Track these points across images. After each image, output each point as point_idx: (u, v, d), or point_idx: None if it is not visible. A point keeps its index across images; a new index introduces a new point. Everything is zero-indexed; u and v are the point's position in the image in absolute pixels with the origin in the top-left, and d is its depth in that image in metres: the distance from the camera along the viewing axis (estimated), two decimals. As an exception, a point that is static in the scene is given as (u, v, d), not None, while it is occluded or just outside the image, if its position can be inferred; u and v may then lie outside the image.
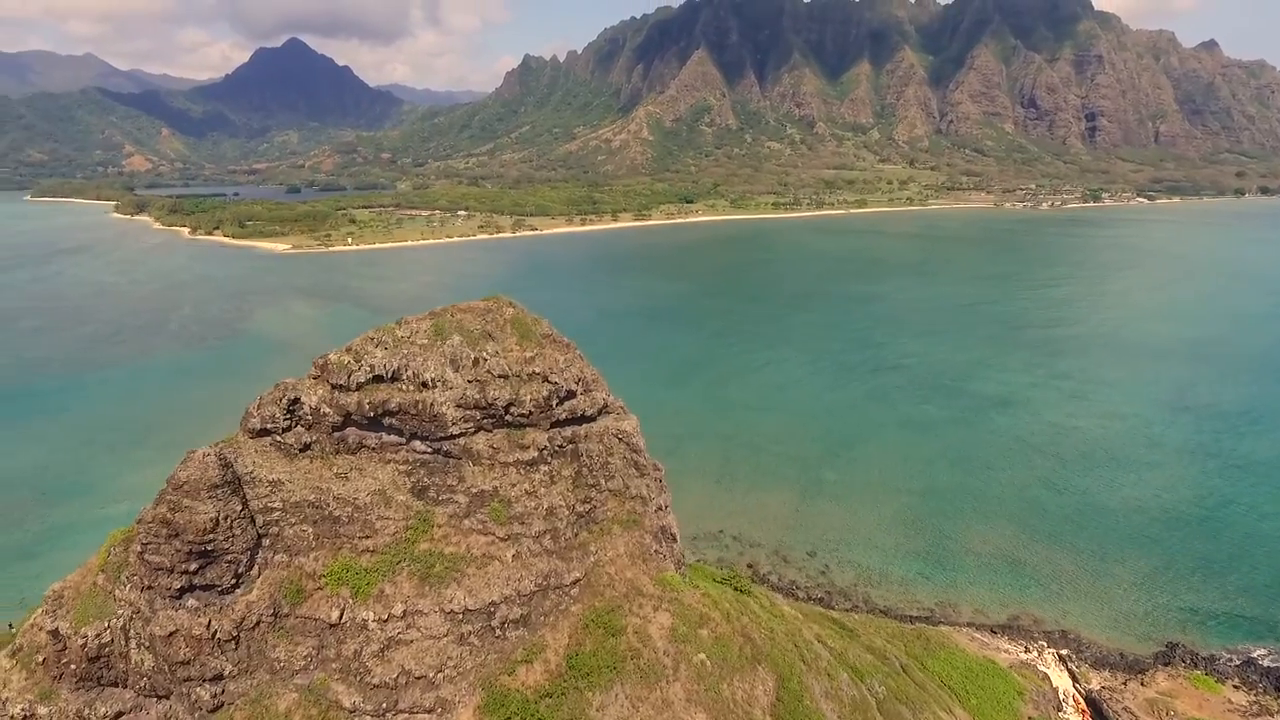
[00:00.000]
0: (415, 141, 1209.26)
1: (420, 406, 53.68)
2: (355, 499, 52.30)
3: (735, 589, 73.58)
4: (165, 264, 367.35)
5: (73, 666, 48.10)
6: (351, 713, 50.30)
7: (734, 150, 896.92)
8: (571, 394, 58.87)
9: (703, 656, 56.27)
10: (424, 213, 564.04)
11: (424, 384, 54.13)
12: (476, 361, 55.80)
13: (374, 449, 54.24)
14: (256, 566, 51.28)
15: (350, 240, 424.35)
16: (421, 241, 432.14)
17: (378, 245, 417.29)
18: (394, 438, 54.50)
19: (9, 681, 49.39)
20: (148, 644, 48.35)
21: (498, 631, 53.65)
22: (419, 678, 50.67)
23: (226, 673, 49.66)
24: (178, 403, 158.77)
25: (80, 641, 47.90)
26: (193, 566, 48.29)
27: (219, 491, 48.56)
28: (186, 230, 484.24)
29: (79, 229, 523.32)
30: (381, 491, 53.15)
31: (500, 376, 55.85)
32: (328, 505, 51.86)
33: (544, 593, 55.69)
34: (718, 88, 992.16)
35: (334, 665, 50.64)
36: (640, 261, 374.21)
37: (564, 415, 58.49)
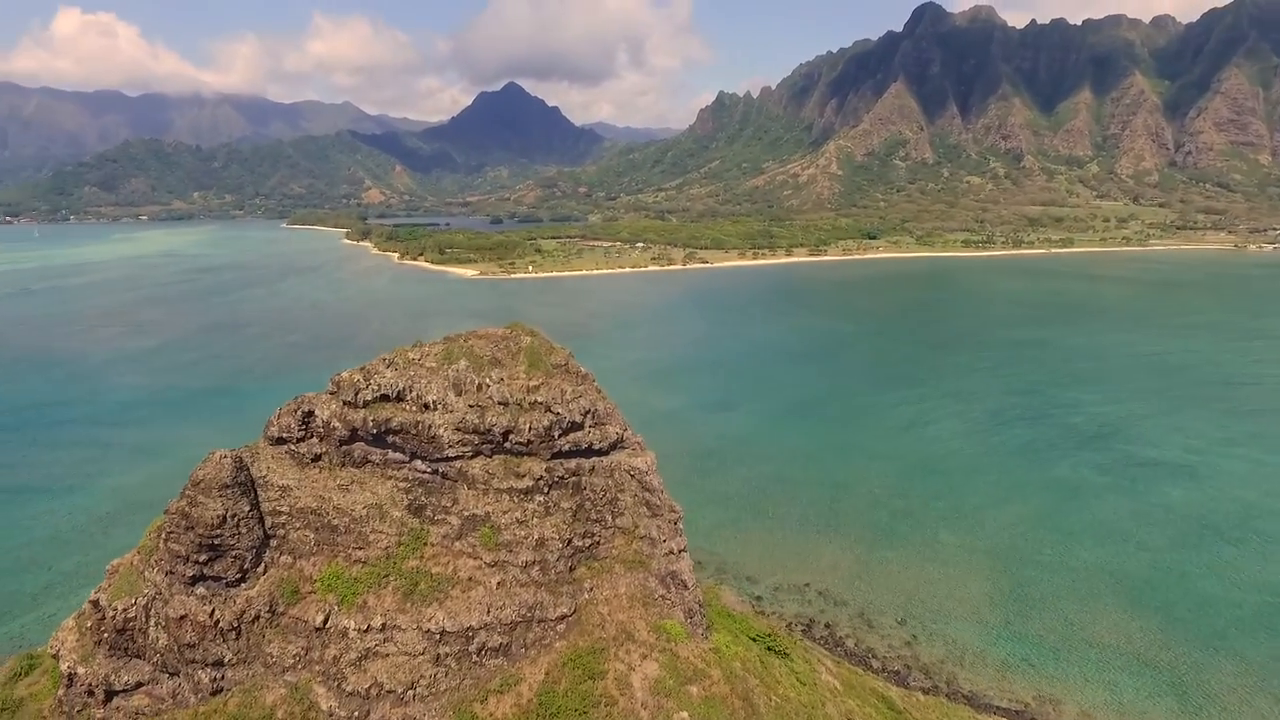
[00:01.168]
0: (610, 176, 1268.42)
1: (420, 427, 55.61)
2: (352, 510, 55.00)
3: (769, 648, 68.85)
4: (370, 284, 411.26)
5: (106, 635, 54.40)
6: (329, 716, 52.51)
7: (928, 185, 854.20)
8: (576, 425, 58.34)
9: (684, 715, 53.03)
10: (605, 244, 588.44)
11: (426, 405, 56.08)
12: (480, 387, 56.95)
13: (378, 465, 56.82)
14: (263, 564, 55.31)
15: (530, 268, 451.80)
16: (595, 271, 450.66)
17: (554, 273, 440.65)
18: (397, 455, 56.78)
19: (66, 641, 56.74)
20: (163, 624, 53.57)
21: (475, 657, 53.78)
22: (389, 691, 51.89)
23: (226, 660, 53.79)
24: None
25: (112, 614, 54.11)
26: (203, 558, 53.04)
27: (229, 491, 53.11)
28: (396, 255, 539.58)
29: (313, 252, 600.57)
30: (378, 506, 55.47)
31: (500, 403, 56.57)
32: (328, 514, 54.96)
33: (527, 624, 55.16)
34: (915, 120, 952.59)
35: (317, 668, 53.19)
36: (801, 297, 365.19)
37: (567, 446, 58.05)
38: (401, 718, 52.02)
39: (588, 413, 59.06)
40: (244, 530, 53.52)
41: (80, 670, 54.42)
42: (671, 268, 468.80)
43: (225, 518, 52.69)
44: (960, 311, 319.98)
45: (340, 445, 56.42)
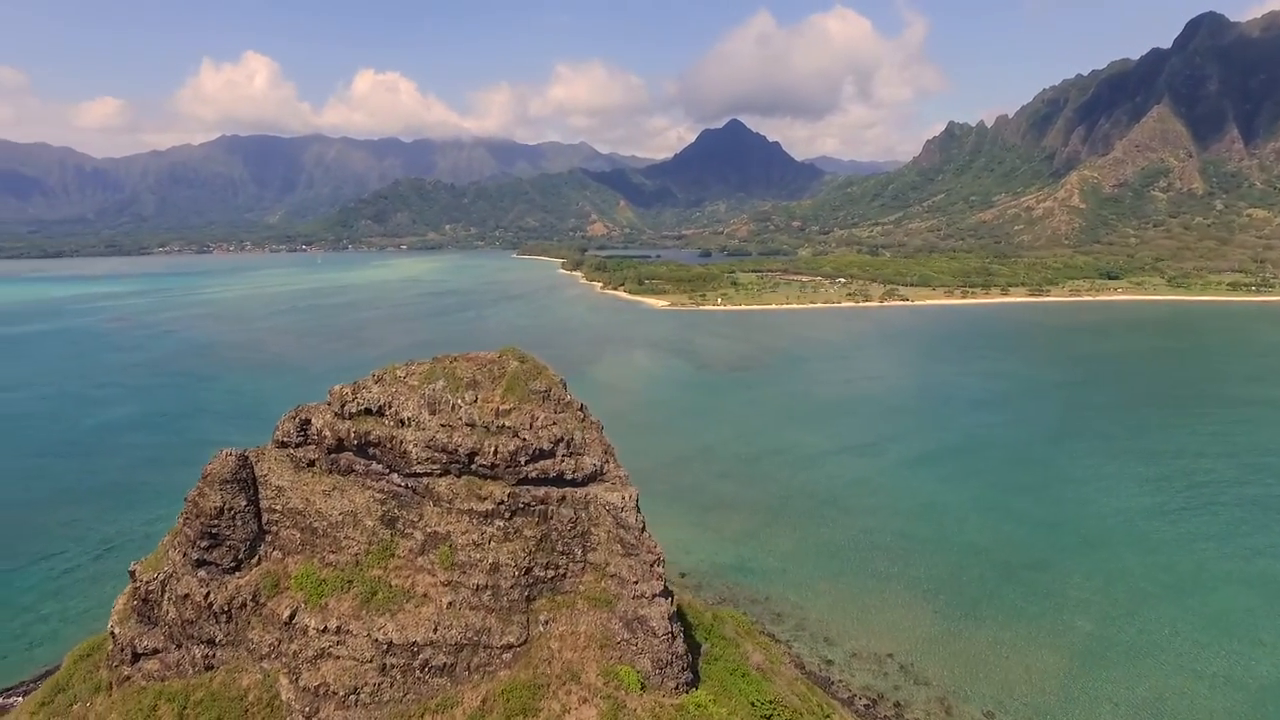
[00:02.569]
0: (826, 210, 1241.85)
1: (394, 442, 57.90)
2: (330, 515, 58.34)
3: (765, 718, 62.72)
4: (567, 312, 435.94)
5: (135, 603, 62.08)
6: (288, 708, 55.70)
7: (1194, 219, 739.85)
8: (545, 453, 57.62)
9: (605, 771, 49.82)
10: (804, 278, 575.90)
11: (402, 421, 58.32)
12: (454, 407, 58.15)
13: (360, 475, 59.82)
14: (257, 557, 60.22)
15: (720, 301, 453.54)
16: (785, 306, 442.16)
17: (742, 307, 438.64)
18: (379, 467, 59.44)
19: (118, 603, 65.50)
20: (173, 599, 60.07)
21: (418, 673, 54.53)
22: (334, 693, 53.99)
23: (217, 640, 59.07)
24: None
25: (140, 584, 61.66)
26: (204, 544, 58.92)
27: (229, 486, 58.66)
28: (599, 285, 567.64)
29: (529, 281, 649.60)
30: (353, 514, 58.32)
31: (468, 425, 57.35)
32: (310, 516, 58.76)
33: (473, 648, 55.02)
34: (1181, 146, 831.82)
35: (284, 660, 56.70)
36: (1004, 339, 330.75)
37: (534, 474, 57.48)
38: (342, 720, 53.84)
39: (559, 441, 58.03)
40: (239, 523, 58.80)
41: (117, 630, 62.50)
42: (867, 305, 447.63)
43: (223, 510, 58.26)
44: (1196, 362, 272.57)
45: (329, 453, 60.25)
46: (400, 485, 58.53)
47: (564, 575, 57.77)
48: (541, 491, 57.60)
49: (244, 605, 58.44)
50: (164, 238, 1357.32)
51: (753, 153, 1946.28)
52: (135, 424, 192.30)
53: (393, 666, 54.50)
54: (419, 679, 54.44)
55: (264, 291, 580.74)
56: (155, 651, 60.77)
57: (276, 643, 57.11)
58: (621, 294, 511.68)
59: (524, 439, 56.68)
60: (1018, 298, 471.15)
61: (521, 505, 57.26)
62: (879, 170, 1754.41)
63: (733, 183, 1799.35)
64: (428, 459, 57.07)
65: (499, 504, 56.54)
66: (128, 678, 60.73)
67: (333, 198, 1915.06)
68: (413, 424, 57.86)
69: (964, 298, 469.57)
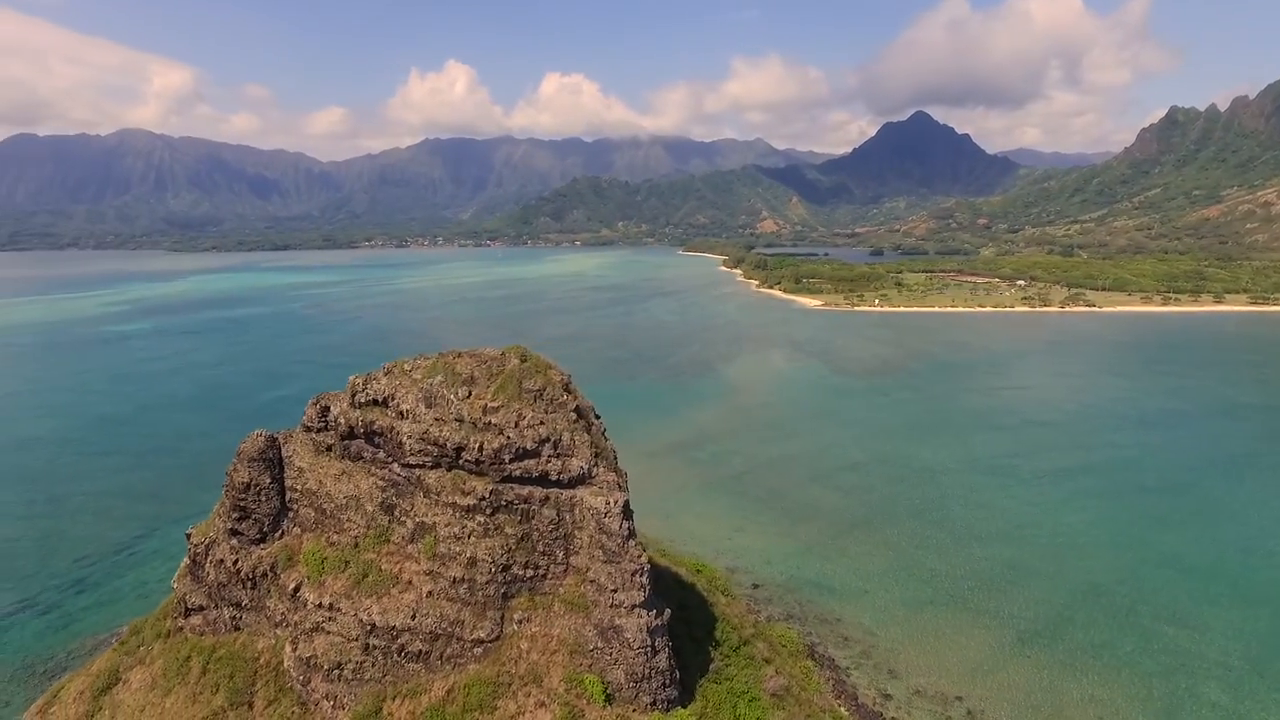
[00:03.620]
0: (1017, 207, 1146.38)
1: (393, 433, 60.26)
2: (337, 498, 61.77)
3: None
4: (716, 309, 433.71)
5: (187, 561, 69.15)
6: (289, 674, 59.78)
7: None
8: (530, 453, 57.69)
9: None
10: (979, 279, 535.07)
11: (401, 413, 60.53)
12: (448, 402, 59.52)
13: (367, 461, 62.79)
14: (280, 531, 64.97)
15: (876, 302, 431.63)
16: (949, 309, 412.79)
17: (900, 309, 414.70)
18: (383, 455, 62.11)
19: (182, 564, 73.26)
20: (214, 562, 66.25)
21: (396, 657, 56.59)
22: (321, 666, 57.24)
23: (243, 604, 64.49)
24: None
25: (192, 545, 68.57)
26: (235, 515, 64.46)
27: (255, 464, 63.76)
28: (755, 283, 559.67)
29: (686, 278, 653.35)
30: (356, 498, 61.37)
31: (457, 420, 58.47)
32: (321, 498, 62.57)
33: (446, 638, 56.25)
34: None
35: (289, 629, 60.84)
36: (1207, 354, 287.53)
37: (518, 472, 57.72)
38: (326, 693, 56.94)
39: (545, 441, 57.71)
40: (264, 499, 63.80)
41: (175, 586, 70.03)
42: (1044, 310, 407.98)
43: (250, 485, 63.48)
44: None
45: (342, 439, 63.78)
46: (399, 475, 60.87)
47: (544, 576, 57.52)
48: (525, 490, 57.66)
49: (265, 575, 63.40)
50: (370, 232, 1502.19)
51: (938, 146, 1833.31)
52: (302, 399, 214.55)
53: (375, 647, 56.89)
54: (396, 662, 56.45)
55: (443, 283, 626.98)
56: (200, 608, 67.46)
57: (286, 612, 61.44)
58: (776, 293, 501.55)
59: (508, 437, 56.99)
60: (1235, 306, 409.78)
61: (504, 503, 57.63)
62: (1085, 163, 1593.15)
63: (915, 178, 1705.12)
64: (420, 451, 58.93)
65: (481, 499, 57.25)
66: (180, 629, 67.92)
67: (518, 195, 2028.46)
68: (410, 416, 60.00)
69: (1164, 305, 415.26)
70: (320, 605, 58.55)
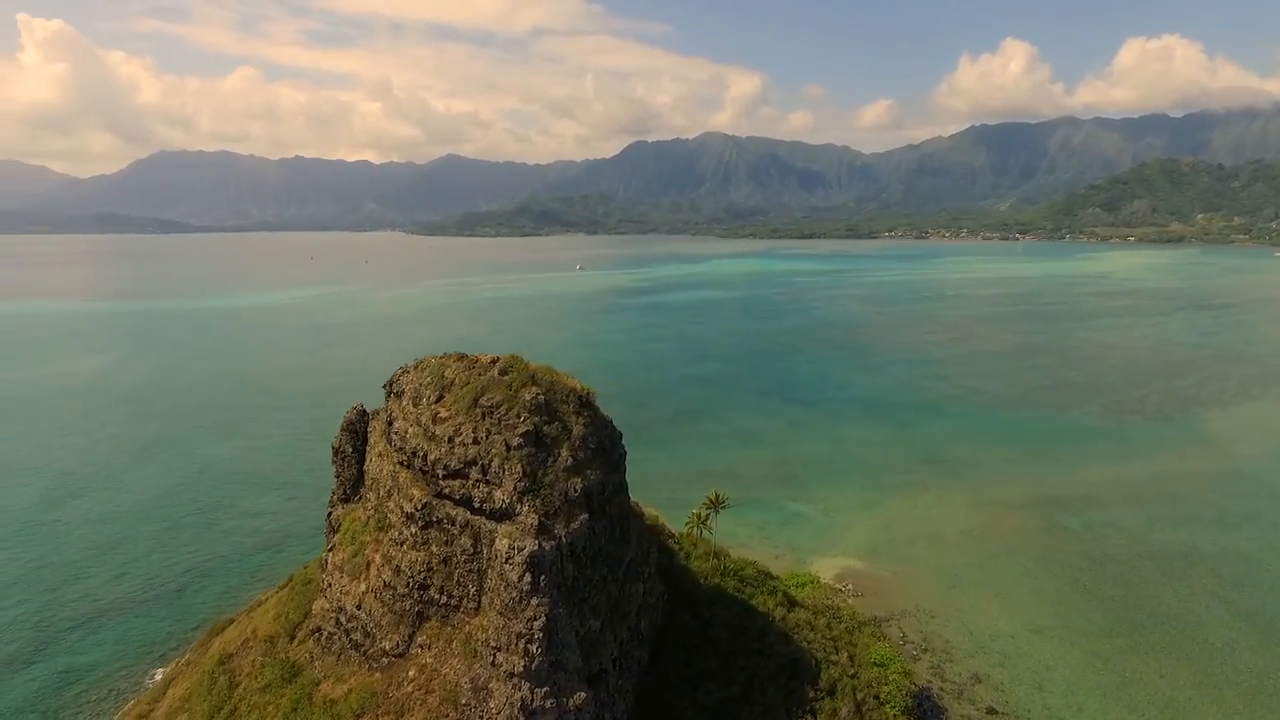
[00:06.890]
0: None
1: (393, 425, 61.94)
2: (371, 475, 66.18)
3: None
4: (1269, 331, 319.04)
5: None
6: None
7: None
8: (457, 473, 54.01)
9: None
10: None
11: (401, 408, 61.72)
12: (422, 406, 58.82)
13: (395, 447, 65.37)
14: (359, 494, 72.29)
15: None
16: None
17: None
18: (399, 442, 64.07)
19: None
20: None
21: (344, 638, 59.26)
22: (316, 629, 62.95)
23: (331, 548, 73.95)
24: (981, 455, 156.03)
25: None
26: (334, 476, 73.94)
27: (344, 434, 72.11)
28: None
29: (1259, 285, 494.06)
30: (377, 480, 64.85)
31: (414, 424, 57.44)
32: (368, 473, 67.75)
33: (370, 639, 56.83)
34: None
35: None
36: None
37: (447, 489, 54.49)
38: (312, 654, 62.29)
39: (472, 463, 52.61)
40: (345, 465, 71.89)
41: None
42: None
43: (337, 450, 72.23)
44: None
45: (388, 423, 67.63)
46: (395, 468, 62.34)
47: (457, 606, 53.00)
48: (455, 511, 53.66)
49: (336, 529, 71.79)
50: (893, 223, 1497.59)
51: None
52: (710, 378, 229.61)
53: (341, 625, 60.14)
54: (345, 644, 58.81)
55: (925, 278, 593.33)
56: (332, 549, 79.76)
57: (329, 568, 68.79)
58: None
59: (443, 451, 53.68)
60: None
61: (435, 519, 54.53)
62: None
63: None
64: (398, 448, 59.46)
65: (417, 509, 55.24)
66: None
67: (1072, 184, 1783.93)
68: (401, 413, 60.81)
69: None
70: (329, 569, 64.26)
